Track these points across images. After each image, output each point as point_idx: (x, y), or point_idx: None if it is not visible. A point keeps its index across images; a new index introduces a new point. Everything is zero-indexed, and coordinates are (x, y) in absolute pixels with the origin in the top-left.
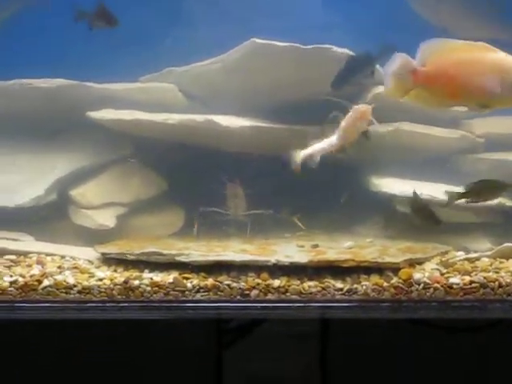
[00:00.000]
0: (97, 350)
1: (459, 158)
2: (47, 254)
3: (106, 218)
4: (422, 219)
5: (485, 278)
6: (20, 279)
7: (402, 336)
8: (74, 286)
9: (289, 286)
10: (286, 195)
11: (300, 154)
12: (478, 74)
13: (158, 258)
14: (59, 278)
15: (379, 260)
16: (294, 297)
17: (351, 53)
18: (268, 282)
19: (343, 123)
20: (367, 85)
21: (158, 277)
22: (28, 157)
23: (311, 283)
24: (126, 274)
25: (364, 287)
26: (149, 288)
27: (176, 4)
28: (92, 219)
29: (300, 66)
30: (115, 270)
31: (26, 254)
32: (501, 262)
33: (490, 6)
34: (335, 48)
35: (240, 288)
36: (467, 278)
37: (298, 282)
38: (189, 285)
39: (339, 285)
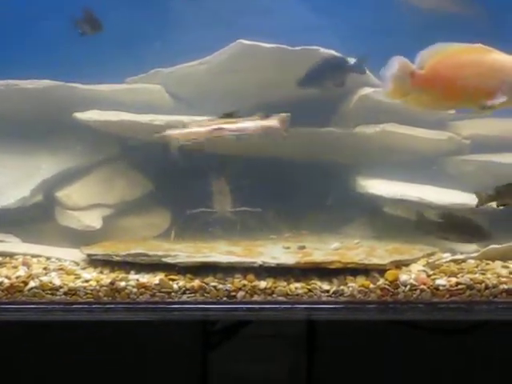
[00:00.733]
0: (83, 352)
1: (445, 159)
2: (33, 256)
3: (92, 220)
4: (460, 235)
5: (471, 279)
6: (5, 281)
7: (388, 338)
8: (60, 287)
9: (275, 287)
10: (273, 196)
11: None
12: (476, 76)
13: (144, 260)
14: (45, 279)
15: (366, 261)
16: (280, 298)
17: (337, 54)
18: (254, 284)
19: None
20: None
21: (144, 278)
22: (14, 158)
23: (298, 285)
24: (112, 275)
25: (350, 289)
26: (135, 289)
27: (163, 6)
28: (78, 220)
29: (287, 68)
30: (101, 272)
31: (11, 255)
32: (487, 264)
33: None
34: (322, 49)
35: (226, 289)
36: (453, 280)
37: (285, 283)
38: (175, 286)
39: (326, 286)
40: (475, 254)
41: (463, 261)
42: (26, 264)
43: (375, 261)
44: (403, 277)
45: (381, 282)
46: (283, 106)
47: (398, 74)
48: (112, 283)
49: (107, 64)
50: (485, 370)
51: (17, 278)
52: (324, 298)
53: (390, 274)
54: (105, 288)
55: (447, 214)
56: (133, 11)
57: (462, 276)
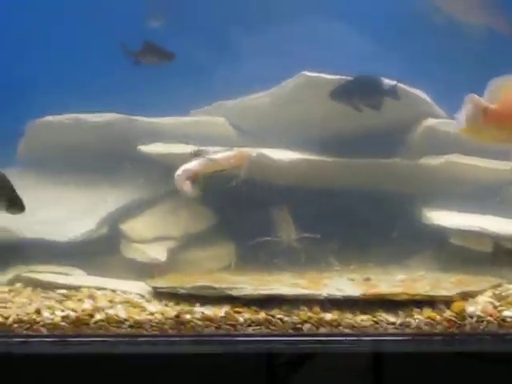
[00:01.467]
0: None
1: (510, 189)
2: (98, 288)
3: (158, 252)
4: None
5: None
6: (72, 314)
7: (455, 370)
8: (126, 320)
9: (341, 319)
10: (339, 228)
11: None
12: None
13: (210, 292)
14: (111, 312)
15: (432, 293)
16: (346, 330)
17: (401, 85)
18: (320, 316)
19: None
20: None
21: (210, 311)
22: (79, 191)
23: (364, 317)
24: (178, 308)
25: (417, 321)
26: (200, 322)
27: (226, 38)
28: (143, 253)
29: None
30: (166, 305)
31: (77, 288)
32: None
33: None
34: (386, 80)
35: (292, 322)
36: None
37: (351, 315)
38: (240, 319)
39: (392, 318)
40: None
41: None
42: (91, 297)
43: (442, 292)
44: (470, 308)
45: (447, 313)
46: (348, 137)
47: (472, 112)
48: (177, 316)
49: (171, 96)
50: None
51: (83, 310)
52: (390, 330)
53: (456, 306)
54: (170, 321)
55: None
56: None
57: None
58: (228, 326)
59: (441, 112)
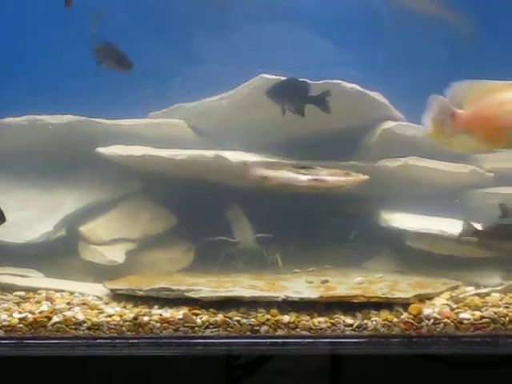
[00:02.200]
0: None
1: (468, 192)
2: (56, 291)
3: (116, 254)
4: None
5: (495, 313)
6: (29, 316)
7: (412, 372)
8: (84, 322)
9: (299, 321)
10: (295, 230)
11: (260, 170)
12: None
13: (168, 294)
14: (68, 314)
15: (389, 295)
16: (303, 332)
17: (361, 88)
18: (278, 318)
19: (327, 178)
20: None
21: (168, 313)
22: (37, 193)
23: (321, 319)
24: (136, 310)
25: (374, 323)
26: (158, 324)
27: (185, 41)
28: (101, 255)
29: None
30: (124, 307)
31: (35, 290)
32: (511, 297)
33: None
34: (344, 83)
35: (250, 324)
36: (477, 314)
37: (308, 317)
38: (198, 321)
39: (349, 320)
40: (499, 288)
41: (487, 294)
42: (49, 299)
43: (399, 294)
44: (427, 310)
45: (404, 315)
46: (306, 140)
47: (438, 116)
48: (135, 318)
49: (130, 99)
50: None
51: (40, 312)
52: (347, 332)
53: (413, 308)
54: (128, 323)
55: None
56: (155, 46)
57: (486, 309)
58: (186, 328)
59: (399, 115)
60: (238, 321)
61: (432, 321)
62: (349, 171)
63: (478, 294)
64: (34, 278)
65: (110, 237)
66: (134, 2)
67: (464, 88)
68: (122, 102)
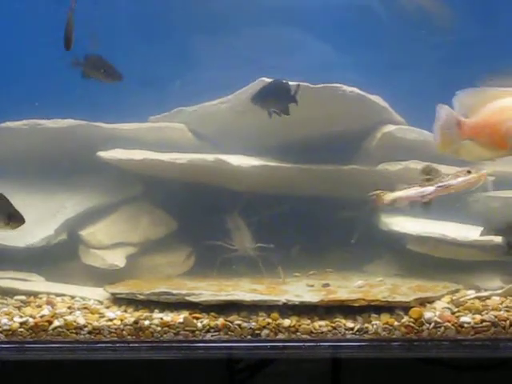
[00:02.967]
0: None
1: (469, 196)
2: (57, 295)
3: (116, 258)
4: None
5: (496, 316)
6: (30, 320)
7: (413, 375)
8: (85, 326)
9: (299, 325)
10: (296, 234)
11: (389, 196)
12: None
13: (168, 298)
14: (69, 318)
15: (390, 299)
16: (304, 336)
17: (361, 92)
18: (278, 322)
19: (453, 182)
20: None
21: (168, 317)
22: (38, 197)
23: (322, 322)
24: (136, 314)
25: (375, 326)
26: (159, 328)
27: (186, 45)
28: (102, 259)
29: (309, 105)
30: (125, 311)
31: (36, 294)
32: None
33: None
34: (344, 87)
35: (250, 328)
36: (478, 317)
37: (309, 321)
38: (199, 324)
39: (350, 324)
40: (500, 291)
41: (488, 298)
42: (50, 303)
43: (400, 298)
44: (427, 314)
45: (405, 319)
46: (305, 144)
47: (446, 126)
48: (136, 322)
49: (130, 103)
50: None
51: (41, 317)
52: (348, 336)
53: (414, 312)
54: (129, 327)
55: None
56: (156, 50)
57: (487, 313)
58: (187, 332)
59: (399, 118)
60: (239, 325)
61: (433, 324)
62: (469, 168)
63: (478, 298)
64: (35, 282)
65: (110, 241)
66: (134, 7)
67: (468, 96)
68: (122, 106)
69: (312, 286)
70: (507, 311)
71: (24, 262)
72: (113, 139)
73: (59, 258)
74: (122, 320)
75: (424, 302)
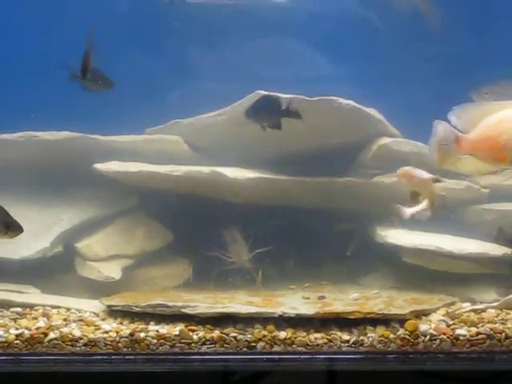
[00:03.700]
0: None
1: (464, 208)
2: (53, 307)
3: (112, 270)
4: None
5: (491, 329)
6: (26, 332)
7: None
8: (80, 338)
9: (295, 337)
10: (292, 246)
11: (408, 211)
12: None
13: (164, 310)
14: (65, 330)
15: (385, 311)
16: (300, 349)
17: (356, 105)
18: (274, 334)
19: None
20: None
21: (164, 329)
22: (34, 209)
23: (317, 335)
24: (132, 326)
25: (370, 339)
26: (155, 340)
27: (181, 57)
28: (98, 271)
29: (305, 117)
30: (121, 323)
31: (31, 306)
32: (507, 313)
33: None
34: (340, 99)
35: (246, 340)
36: (474, 330)
37: (305, 333)
38: (195, 337)
39: (346, 336)
40: (495, 304)
41: (483, 310)
42: (45, 315)
43: (395, 311)
44: (423, 327)
45: (400, 332)
46: (301, 156)
47: (444, 142)
48: (132, 334)
49: (126, 115)
50: None
51: (37, 329)
52: (344, 349)
53: (409, 324)
54: (124, 339)
55: None
56: (152, 63)
57: (482, 326)
58: (182, 345)
59: (395, 131)
60: (235, 337)
61: (428, 337)
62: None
63: (474, 310)
64: (31, 294)
65: (106, 253)
66: (131, 19)
67: (464, 111)
68: (118, 118)
69: (308, 298)
70: (503, 324)
71: (20, 274)
72: (109, 151)
73: (55, 270)
74: (117, 332)
75: (419, 315)
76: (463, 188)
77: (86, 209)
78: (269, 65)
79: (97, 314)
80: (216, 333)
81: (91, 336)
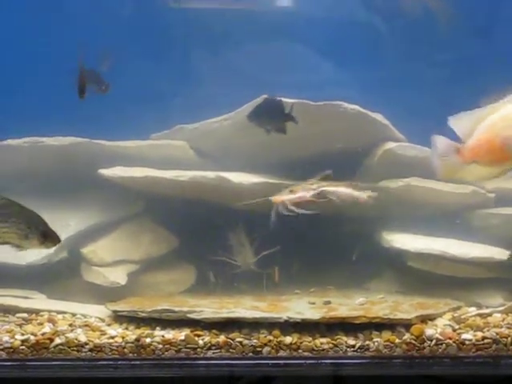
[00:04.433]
0: None
1: (470, 213)
2: (58, 312)
3: (118, 276)
4: None
5: (497, 333)
6: (31, 337)
7: None
8: (86, 343)
9: (301, 342)
10: (298, 251)
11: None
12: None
13: (170, 316)
14: (71, 336)
15: (391, 316)
16: (306, 353)
17: (362, 109)
18: (280, 339)
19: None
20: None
21: (170, 334)
22: (40, 214)
23: (323, 340)
24: (138, 331)
25: (376, 344)
26: (160, 345)
27: (186, 62)
28: (104, 276)
29: (310, 122)
30: (127, 328)
31: (37, 312)
32: None
33: None
34: (346, 104)
35: (252, 345)
36: (479, 334)
37: (310, 338)
38: (200, 342)
39: (351, 341)
40: (501, 308)
41: (489, 315)
42: (51, 321)
43: (401, 315)
44: (429, 331)
45: (406, 336)
46: (307, 161)
47: (445, 155)
48: (137, 339)
49: (131, 120)
50: None
51: (43, 334)
52: (350, 353)
53: (415, 329)
54: (130, 344)
55: None
56: (157, 68)
57: (488, 330)
58: (188, 350)
59: (400, 136)
60: (240, 342)
61: (434, 341)
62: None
63: (479, 315)
64: (37, 300)
65: (112, 258)
66: (136, 23)
67: (460, 120)
68: (123, 123)
69: (313, 303)
70: (509, 328)
71: (25, 280)
72: (114, 157)
73: (61, 275)
74: (123, 337)
75: (425, 319)
76: (469, 192)
77: (92, 214)
78: (274, 70)
79: (102, 320)
80: (222, 338)
81: (97, 341)
